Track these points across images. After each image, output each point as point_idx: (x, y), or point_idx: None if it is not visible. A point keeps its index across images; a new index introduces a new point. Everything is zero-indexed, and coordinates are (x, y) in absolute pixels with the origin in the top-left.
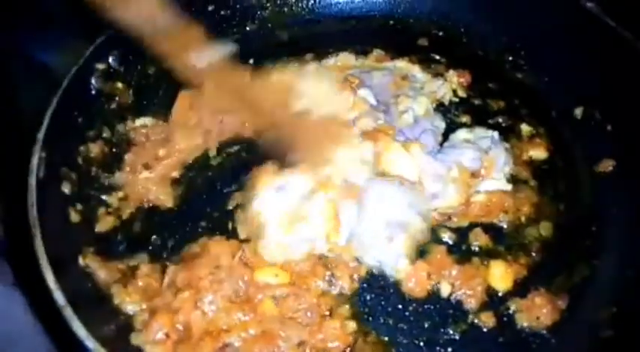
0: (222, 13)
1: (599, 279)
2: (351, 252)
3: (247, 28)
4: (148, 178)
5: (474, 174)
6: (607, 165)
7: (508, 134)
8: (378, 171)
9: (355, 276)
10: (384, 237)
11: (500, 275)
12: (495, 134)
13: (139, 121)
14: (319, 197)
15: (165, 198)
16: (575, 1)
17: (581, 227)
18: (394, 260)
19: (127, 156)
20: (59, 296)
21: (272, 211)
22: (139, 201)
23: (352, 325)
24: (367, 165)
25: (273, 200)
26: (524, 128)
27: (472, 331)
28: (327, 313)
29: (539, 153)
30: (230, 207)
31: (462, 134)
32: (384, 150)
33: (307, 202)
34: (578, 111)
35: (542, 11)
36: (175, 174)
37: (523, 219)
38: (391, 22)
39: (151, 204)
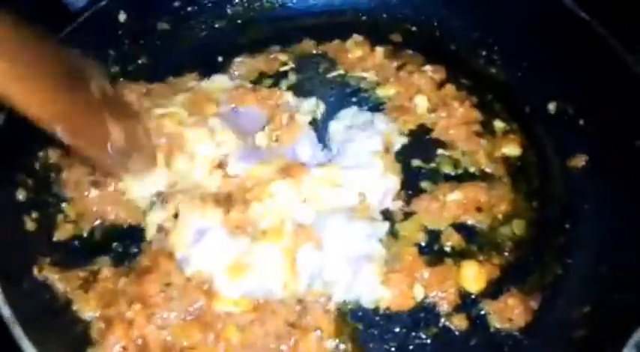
0: (189, 9)
1: (572, 278)
2: (314, 295)
3: (216, 25)
4: (102, 196)
5: None
6: (580, 161)
7: (482, 130)
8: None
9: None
10: (349, 273)
11: (473, 277)
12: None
13: None
14: (269, 247)
15: (125, 215)
16: None
17: (554, 224)
18: (370, 291)
19: (64, 175)
20: (7, 313)
21: (215, 257)
22: (95, 218)
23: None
24: (308, 203)
25: (213, 245)
26: (498, 124)
27: (444, 334)
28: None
29: (512, 149)
30: None
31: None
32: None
33: (253, 251)
34: (552, 107)
35: (515, 5)
36: None
37: (497, 217)
38: (364, 17)
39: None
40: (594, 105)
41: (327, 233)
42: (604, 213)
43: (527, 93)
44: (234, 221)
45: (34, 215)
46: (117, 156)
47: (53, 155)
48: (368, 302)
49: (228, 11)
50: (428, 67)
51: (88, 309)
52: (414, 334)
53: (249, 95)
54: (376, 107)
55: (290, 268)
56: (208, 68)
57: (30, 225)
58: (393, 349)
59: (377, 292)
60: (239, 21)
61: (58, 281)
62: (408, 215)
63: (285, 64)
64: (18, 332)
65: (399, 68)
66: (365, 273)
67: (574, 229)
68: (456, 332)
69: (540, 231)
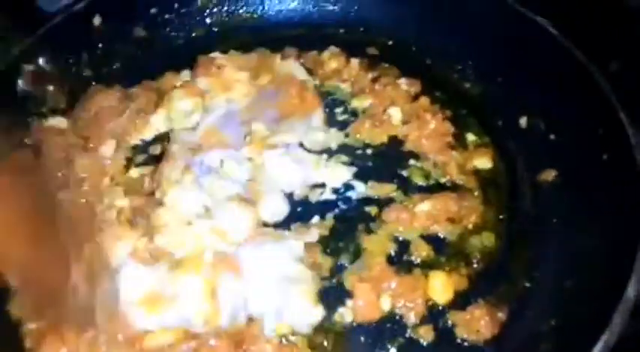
0: (166, 16)
1: (539, 291)
2: (241, 332)
3: (193, 34)
4: None
5: None
6: (549, 175)
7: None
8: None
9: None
10: (277, 299)
11: (441, 287)
12: None
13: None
14: (186, 277)
15: None
16: (522, 14)
17: (522, 237)
18: (303, 314)
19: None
20: None
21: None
22: None
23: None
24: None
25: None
26: (470, 137)
27: (410, 345)
28: None
29: (484, 162)
30: None
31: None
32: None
33: (170, 281)
34: (523, 121)
35: (490, 22)
36: None
37: (467, 228)
38: (341, 30)
39: None
40: (565, 121)
41: (248, 259)
42: (572, 226)
43: (500, 108)
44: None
45: None
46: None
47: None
48: (302, 327)
49: (207, 20)
50: (403, 80)
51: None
52: (379, 345)
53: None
54: (350, 117)
55: (210, 300)
56: None
57: None
58: None
59: (310, 314)
60: (216, 29)
61: None
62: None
63: None
64: None
65: (374, 80)
66: (294, 298)
67: (542, 242)
68: (423, 343)
69: (509, 244)
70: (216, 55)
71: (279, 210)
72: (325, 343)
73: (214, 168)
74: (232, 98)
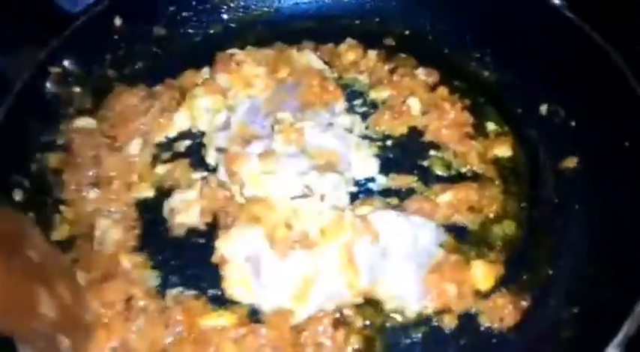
0: (185, 14)
1: (562, 278)
2: (375, 293)
3: (211, 31)
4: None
5: None
6: (571, 162)
7: (474, 132)
8: None
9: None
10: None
11: (483, 275)
12: None
13: (81, 121)
14: (327, 248)
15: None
16: None
17: (543, 225)
18: (418, 295)
19: (64, 176)
20: None
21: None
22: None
23: None
24: None
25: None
26: (490, 126)
27: (434, 333)
28: None
29: (504, 150)
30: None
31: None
32: None
33: (310, 260)
34: (543, 109)
35: (507, 9)
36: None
37: (489, 217)
38: (357, 21)
39: None
40: (585, 108)
41: (386, 225)
42: (594, 214)
43: (519, 96)
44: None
45: (31, 215)
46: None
47: (53, 160)
48: (414, 306)
49: (224, 16)
50: (420, 70)
51: None
52: (404, 333)
53: None
54: (370, 109)
55: (350, 265)
56: None
57: None
58: (381, 348)
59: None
60: (233, 25)
61: None
62: None
63: None
64: None
65: (392, 71)
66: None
67: (564, 230)
68: (446, 331)
69: (530, 232)
70: (234, 51)
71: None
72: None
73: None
74: (253, 93)
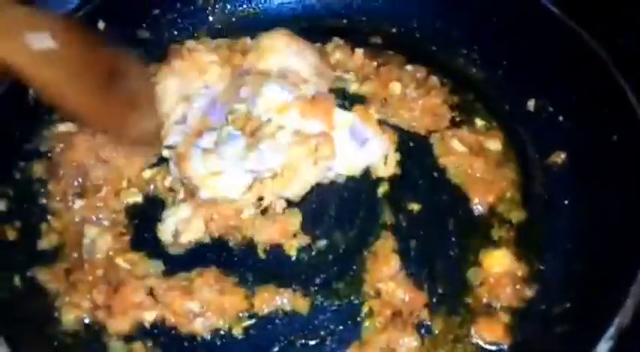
0: (169, 16)
1: (553, 274)
2: None
3: (196, 34)
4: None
5: None
6: (558, 157)
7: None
8: None
9: None
10: None
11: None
12: None
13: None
14: None
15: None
16: None
17: (533, 220)
18: None
19: (50, 186)
20: None
21: None
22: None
23: None
24: None
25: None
26: (479, 122)
27: None
28: None
29: (493, 143)
30: None
31: None
32: None
33: None
34: (531, 104)
35: (495, 5)
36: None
37: None
38: (344, 21)
39: None
40: (572, 102)
41: None
42: (583, 209)
43: (507, 91)
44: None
45: (17, 224)
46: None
47: (38, 168)
48: None
49: (209, 18)
50: (409, 67)
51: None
52: None
53: None
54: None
55: None
56: None
57: (11, 234)
58: None
59: None
60: (219, 26)
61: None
62: None
63: None
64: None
65: (379, 66)
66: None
67: (552, 225)
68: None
69: (520, 227)
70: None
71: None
72: None
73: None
74: (209, 82)
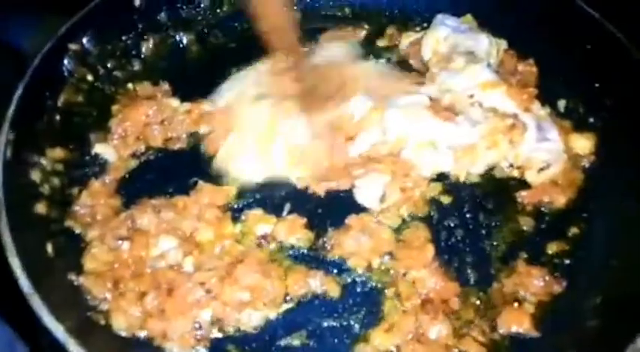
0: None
1: (585, 269)
2: None
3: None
4: None
5: None
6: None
7: None
8: None
9: None
10: None
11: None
12: None
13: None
14: None
15: None
16: None
17: (565, 217)
18: None
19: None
20: (25, 283)
21: None
22: None
23: None
24: None
25: None
26: None
27: None
28: None
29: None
30: None
31: None
32: None
33: None
34: (561, 104)
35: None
36: None
37: None
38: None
39: None
40: (604, 103)
41: None
42: (614, 206)
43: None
44: None
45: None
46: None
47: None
48: None
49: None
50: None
51: None
52: None
53: None
54: None
55: None
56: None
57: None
58: None
59: None
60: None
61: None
62: None
63: None
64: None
65: None
66: None
67: (587, 221)
68: None
69: (551, 223)
70: None
71: None
72: None
73: None
74: None
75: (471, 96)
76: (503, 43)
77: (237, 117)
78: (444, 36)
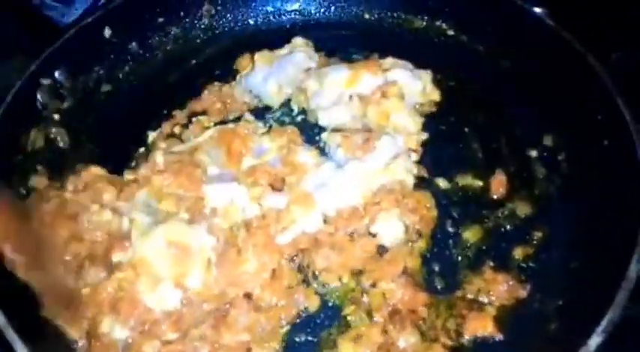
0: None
1: (546, 272)
2: None
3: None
4: None
5: None
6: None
7: None
8: None
9: None
10: None
11: None
12: None
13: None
14: None
15: None
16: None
17: (528, 221)
18: None
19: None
20: None
21: None
22: None
23: None
24: None
25: None
26: None
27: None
28: None
29: None
30: None
31: None
32: None
33: None
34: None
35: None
36: None
37: None
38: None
39: None
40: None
41: None
42: (576, 211)
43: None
44: None
45: None
46: None
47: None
48: None
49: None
50: None
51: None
52: None
53: None
54: None
55: None
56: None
57: None
58: None
59: None
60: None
61: None
62: None
63: None
64: None
65: None
66: None
67: (548, 226)
68: None
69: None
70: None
71: None
72: None
73: None
74: None
75: None
76: None
77: None
78: None
